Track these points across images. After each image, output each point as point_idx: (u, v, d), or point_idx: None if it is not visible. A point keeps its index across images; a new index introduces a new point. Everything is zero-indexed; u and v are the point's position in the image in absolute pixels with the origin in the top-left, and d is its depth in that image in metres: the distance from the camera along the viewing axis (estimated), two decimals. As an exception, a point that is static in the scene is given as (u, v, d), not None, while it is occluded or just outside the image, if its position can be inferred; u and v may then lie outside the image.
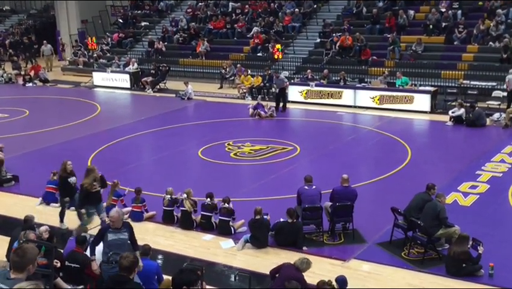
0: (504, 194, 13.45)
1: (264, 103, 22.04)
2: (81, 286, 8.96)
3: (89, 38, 32.73)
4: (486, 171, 14.91)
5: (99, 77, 29.04)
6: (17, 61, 33.95)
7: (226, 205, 11.94)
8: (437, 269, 10.22)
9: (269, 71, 25.11)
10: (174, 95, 25.49)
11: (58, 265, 8.78)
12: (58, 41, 37.66)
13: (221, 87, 26.95)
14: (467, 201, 13.11)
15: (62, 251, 9.64)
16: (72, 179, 12.29)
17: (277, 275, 8.87)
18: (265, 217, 11.47)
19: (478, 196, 13.38)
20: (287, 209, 11.27)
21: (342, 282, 8.69)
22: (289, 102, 23.21)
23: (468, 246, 10.15)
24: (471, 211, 12.57)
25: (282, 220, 11.31)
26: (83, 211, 11.84)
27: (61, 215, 12.41)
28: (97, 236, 8.76)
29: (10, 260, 5.55)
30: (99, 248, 9.40)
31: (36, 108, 24.43)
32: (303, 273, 8.71)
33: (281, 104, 22.48)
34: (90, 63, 32.12)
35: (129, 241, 8.65)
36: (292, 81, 24.63)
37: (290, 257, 10.78)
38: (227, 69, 27.12)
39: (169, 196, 12.53)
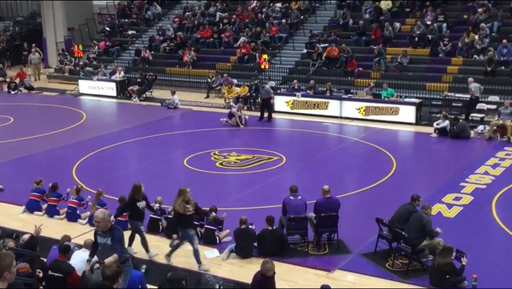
0: (488, 206, 13.55)
1: (235, 110, 21.92)
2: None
3: (75, 46, 32.60)
4: (470, 183, 15.03)
5: (85, 85, 28.91)
6: (2, 68, 33.66)
7: (213, 214, 11.93)
8: (420, 280, 10.27)
9: (256, 81, 25.17)
10: (160, 104, 25.43)
11: (41, 275, 8.70)
12: (45, 49, 37.47)
13: (207, 96, 26.95)
14: (451, 212, 13.20)
15: (45, 260, 9.56)
16: (141, 204, 11.20)
17: None
18: (250, 226, 11.48)
19: (462, 208, 13.47)
20: (266, 217, 11.32)
21: None
22: (275, 112, 23.27)
23: (452, 257, 10.21)
24: (455, 223, 12.65)
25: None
26: (174, 236, 10.84)
27: (131, 239, 11.47)
28: (94, 240, 8.78)
29: None
30: (83, 257, 9.35)
31: (21, 115, 24.26)
32: (268, 275, 8.75)
33: (266, 114, 22.50)
34: (76, 71, 31.99)
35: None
36: (278, 91, 24.70)
37: (276, 267, 10.75)
38: (214, 78, 27.13)
39: (158, 205, 12.51)
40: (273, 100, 23.03)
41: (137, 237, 11.40)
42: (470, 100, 21.44)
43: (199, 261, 10.77)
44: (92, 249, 8.83)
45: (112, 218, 10.60)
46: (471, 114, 20.99)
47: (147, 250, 11.26)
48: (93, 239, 8.80)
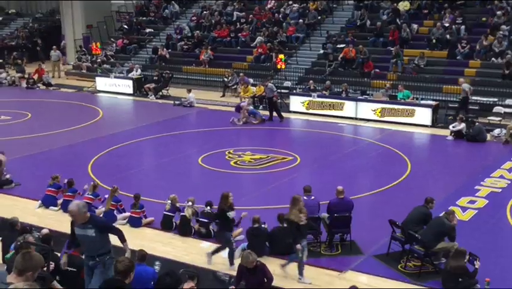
0: (502, 210, 13.47)
1: (245, 104, 22.23)
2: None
3: (93, 43, 32.85)
4: (485, 187, 14.93)
5: (102, 83, 29.13)
6: (21, 64, 34.05)
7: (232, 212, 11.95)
8: (433, 283, 10.24)
9: (271, 81, 25.18)
10: (173, 103, 25.51)
11: (52, 266, 8.77)
12: (63, 46, 37.85)
13: (223, 95, 27.02)
14: (466, 216, 13.12)
15: (58, 254, 9.66)
16: (231, 214, 10.81)
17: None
18: (263, 225, 11.52)
19: (476, 211, 13.40)
20: (277, 214, 11.36)
21: None
22: (291, 112, 23.26)
23: (465, 261, 10.15)
24: (469, 226, 12.58)
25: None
26: (298, 246, 10.20)
27: (231, 257, 10.89)
28: (71, 231, 8.48)
29: (14, 261, 5.56)
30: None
31: (38, 111, 24.51)
32: (249, 267, 8.84)
33: (275, 114, 22.43)
34: (93, 68, 32.24)
35: (119, 239, 8.27)
36: (294, 91, 24.71)
37: (288, 266, 10.81)
38: (230, 78, 27.20)
39: (170, 202, 12.60)
40: (276, 98, 22.84)
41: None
42: (462, 100, 21.68)
43: (301, 273, 10.38)
44: (69, 241, 8.72)
45: (102, 208, 10.66)
46: (488, 117, 20.86)
47: (231, 263, 10.77)
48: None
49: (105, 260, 8.11)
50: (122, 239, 8.29)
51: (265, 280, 9.07)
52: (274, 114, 22.47)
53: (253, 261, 8.84)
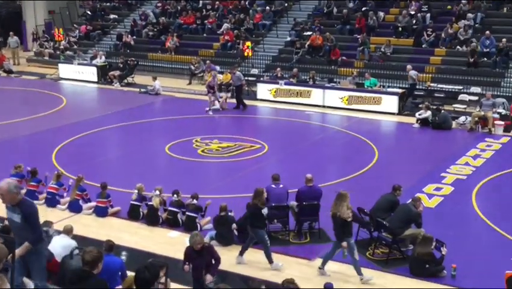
0: (468, 197, 13.64)
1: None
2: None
3: (56, 30, 32.13)
4: (451, 174, 15.10)
5: (65, 70, 28.54)
6: (-19, 51, 33.14)
7: (195, 201, 11.87)
8: (401, 269, 10.31)
9: (238, 69, 25.01)
10: (138, 90, 25.17)
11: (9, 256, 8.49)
12: (24, 32, 36.88)
13: (190, 83, 26.75)
14: (432, 202, 13.26)
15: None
16: (265, 210, 10.35)
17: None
18: (229, 214, 11.44)
19: (442, 198, 13.55)
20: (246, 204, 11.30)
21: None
22: (258, 100, 23.19)
23: (432, 247, 10.26)
24: (436, 213, 12.71)
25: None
26: (344, 244, 9.86)
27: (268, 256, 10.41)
28: None
29: None
30: (62, 242, 9.23)
31: (0, 98, 23.88)
32: (196, 249, 8.76)
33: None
34: (56, 55, 31.55)
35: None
36: (261, 79, 24.60)
37: (257, 255, 10.76)
38: (196, 65, 26.93)
39: (136, 191, 12.41)
40: (244, 86, 22.80)
41: None
42: (410, 87, 22.29)
43: (359, 273, 9.95)
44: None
45: (22, 191, 9.94)
46: (454, 105, 21.11)
47: (270, 261, 10.33)
48: (70, 225, 8.64)
49: (36, 247, 7.37)
50: (33, 242, 7.24)
51: (213, 261, 9.01)
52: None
53: (200, 243, 8.76)
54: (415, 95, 22.32)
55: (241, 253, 10.58)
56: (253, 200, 10.32)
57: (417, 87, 22.60)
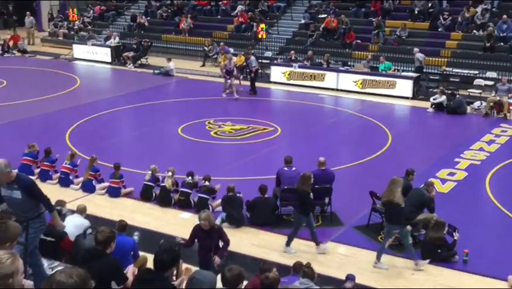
0: (481, 182, 13.55)
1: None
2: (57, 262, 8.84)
3: (70, 10, 32.13)
4: (465, 159, 15.01)
5: (79, 50, 28.57)
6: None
7: (207, 183, 11.89)
8: (412, 254, 10.29)
9: (252, 51, 24.91)
10: (152, 71, 25.13)
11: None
12: (39, 12, 36.93)
13: (203, 65, 26.69)
14: (445, 188, 13.19)
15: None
16: (311, 195, 10.24)
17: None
18: (238, 194, 11.45)
19: (456, 183, 13.47)
20: (259, 186, 11.30)
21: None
22: (272, 82, 23.07)
23: (444, 232, 10.24)
24: (449, 198, 12.65)
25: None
26: (409, 227, 9.92)
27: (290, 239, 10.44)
28: None
29: None
30: (75, 222, 9.32)
31: (14, 78, 24.00)
32: (205, 229, 8.66)
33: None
34: (70, 35, 31.58)
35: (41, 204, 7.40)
36: (275, 62, 24.49)
37: (268, 238, 10.81)
38: (210, 47, 26.84)
39: (150, 172, 12.45)
40: (258, 70, 22.51)
41: None
42: (417, 69, 22.19)
43: (379, 258, 9.96)
44: None
45: (36, 170, 9.61)
46: (469, 90, 20.91)
47: (317, 243, 10.38)
48: (84, 205, 8.69)
49: (34, 225, 7.31)
50: (49, 208, 7.41)
51: (222, 244, 8.88)
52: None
53: (205, 219, 8.55)
54: (423, 79, 22.16)
55: (288, 244, 10.38)
56: (301, 185, 10.16)
57: (424, 70, 22.40)
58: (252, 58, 22.70)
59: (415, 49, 22.67)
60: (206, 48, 26.90)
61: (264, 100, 21.64)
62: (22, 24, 33.57)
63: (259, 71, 22.86)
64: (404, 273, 9.81)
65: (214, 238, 8.81)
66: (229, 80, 21.19)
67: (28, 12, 33.01)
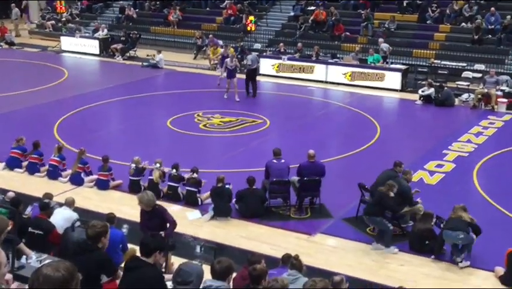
0: (469, 174, 13.64)
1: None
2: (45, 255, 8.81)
3: (58, 1, 31.85)
4: (452, 151, 15.09)
5: (67, 42, 28.39)
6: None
7: (195, 175, 11.87)
8: (400, 245, 10.34)
9: (241, 43, 24.85)
10: (141, 64, 25.00)
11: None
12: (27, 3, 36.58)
13: (195, 58, 26.47)
14: (433, 179, 13.27)
15: (25, 215, 9.49)
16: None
17: None
18: (227, 186, 11.45)
19: (444, 175, 13.55)
20: (247, 177, 11.31)
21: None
22: (261, 75, 22.71)
23: (432, 224, 10.30)
24: (437, 189, 12.73)
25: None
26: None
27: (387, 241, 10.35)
28: None
29: None
30: (63, 214, 9.29)
31: (1, 71, 23.81)
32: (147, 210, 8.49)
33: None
34: (58, 27, 31.34)
35: None
36: (264, 54, 24.46)
37: (257, 230, 10.83)
38: (200, 40, 26.71)
39: (134, 165, 12.39)
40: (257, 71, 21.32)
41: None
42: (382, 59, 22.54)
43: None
44: None
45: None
46: (457, 82, 21.00)
47: (388, 245, 10.23)
48: (72, 198, 8.62)
49: None
50: None
51: (167, 225, 8.64)
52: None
53: (141, 201, 8.39)
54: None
55: (387, 245, 10.22)
56: (381, 188, 10.26)
57: (387, 60, 22.56)
58: (254, 54, 21.73)
59: (380, 39, 23.12)
60: (198, 41, 26.68)
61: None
62: (8, 17, 33.25)
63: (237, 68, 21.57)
64: (390, 265, 9.86)
65: (156, 218, 8.56)
66: (234, 80, 19.79)
67: (12, 4, 32.69)
